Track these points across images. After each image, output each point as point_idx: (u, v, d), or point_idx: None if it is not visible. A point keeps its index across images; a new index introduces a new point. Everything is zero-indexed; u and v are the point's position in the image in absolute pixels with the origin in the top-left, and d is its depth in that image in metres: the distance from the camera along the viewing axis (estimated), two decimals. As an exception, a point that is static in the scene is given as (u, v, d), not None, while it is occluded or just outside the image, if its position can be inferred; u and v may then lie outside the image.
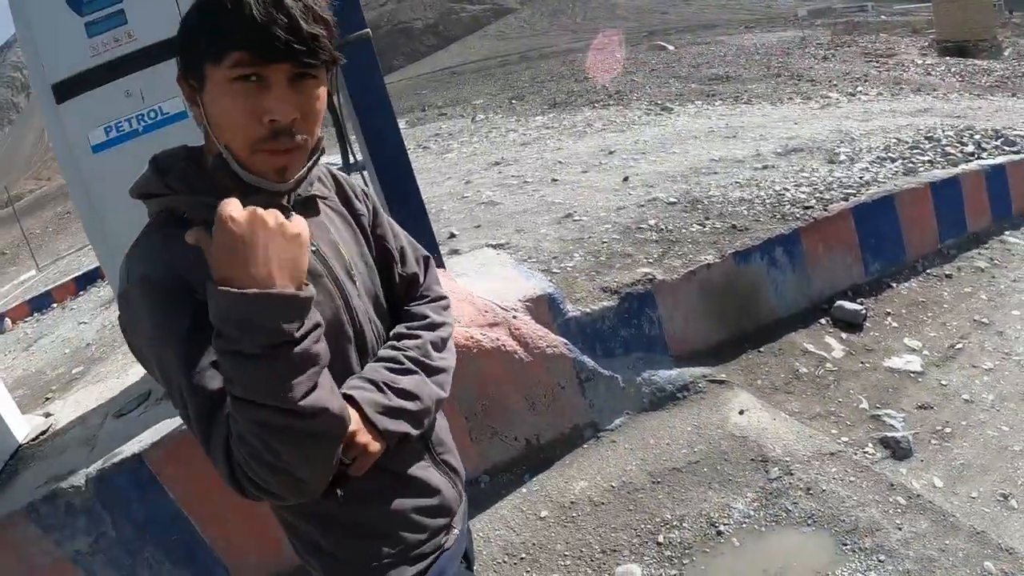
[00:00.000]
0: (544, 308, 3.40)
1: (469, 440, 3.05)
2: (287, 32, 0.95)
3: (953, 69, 16.25)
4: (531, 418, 3.21)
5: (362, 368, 1.17)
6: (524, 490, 3.07)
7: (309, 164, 1.08)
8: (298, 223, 0.94)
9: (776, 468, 2.97)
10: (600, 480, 3.07)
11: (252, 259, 0.87)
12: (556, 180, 6.49)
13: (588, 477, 3.10)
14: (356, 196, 1.32)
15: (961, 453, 3.10)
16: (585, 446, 3.28)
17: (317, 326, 0.92)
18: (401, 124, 16.69)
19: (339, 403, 0.95)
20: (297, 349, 0.88)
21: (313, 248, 1.12)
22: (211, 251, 0.89)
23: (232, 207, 0.89)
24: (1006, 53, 23.07)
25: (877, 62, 18.05)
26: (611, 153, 7.75)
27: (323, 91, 1.05)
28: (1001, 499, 2.82)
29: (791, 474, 2.93)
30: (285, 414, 0.87)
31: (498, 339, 3.10)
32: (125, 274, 1.03)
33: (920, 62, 18.21)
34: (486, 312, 3.18)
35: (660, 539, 2.72)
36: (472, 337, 3.01)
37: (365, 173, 3.35)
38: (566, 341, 3.33)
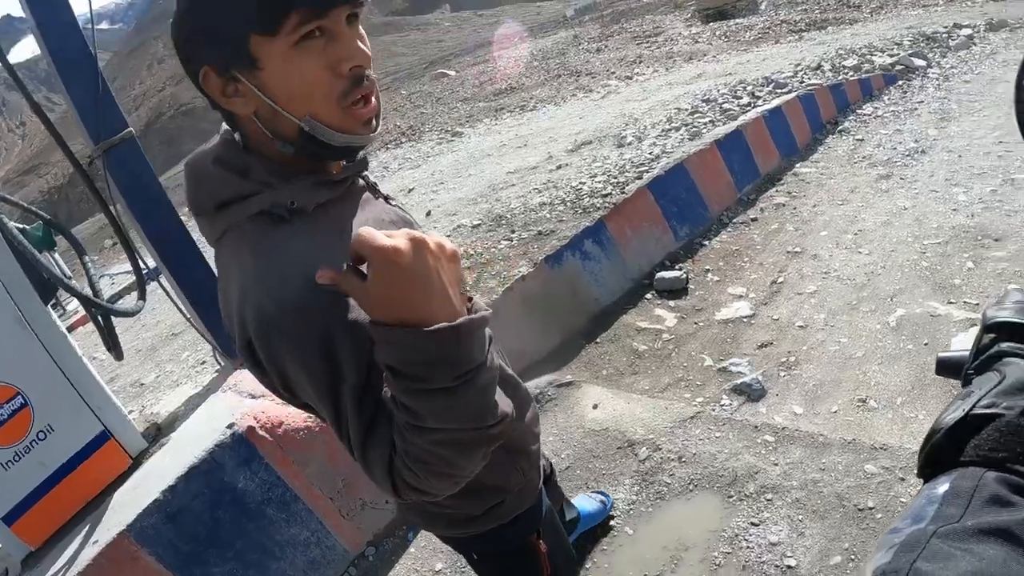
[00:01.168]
0: (375, 368, 3.55)
1: (341, 518, 3.09)
2: None
3: (718, 32, 18.36)
4: None
5: None
6: (412, 549, 3.14)
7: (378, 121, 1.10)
8: (448, 241, 0.91)
9: (644, 448, 3.25)
10: None
11: (431, 292, 0.84)
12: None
13: None
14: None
15: (811, 376, 3.56)
16: None
17: (491, 338, 0.93)
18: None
19: (509, 401, 0.98)
20: (487, 367, 0.89)
21: (396, 204, 1.29)
22: (362, 289, 0.83)
23: (395, 238, 0.82)
24: (763, 7, 26.41)
25: (648, 42, 20.01)
26: (410, 191, 8.11)
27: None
28: (860, 404, 3.27)
29: (659, 449, 3.22)
30: (476, 431, 0.90)
31: None
32: (268, 299, 0.97)
33: (687, 33, 20.38)
34: None
35: (556, 556, 2.91)
36: (309, 418, 3.06)
37: (162, 279, 3.35)
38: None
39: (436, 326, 0.82)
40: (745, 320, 4.15)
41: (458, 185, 7.35)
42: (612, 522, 2.94)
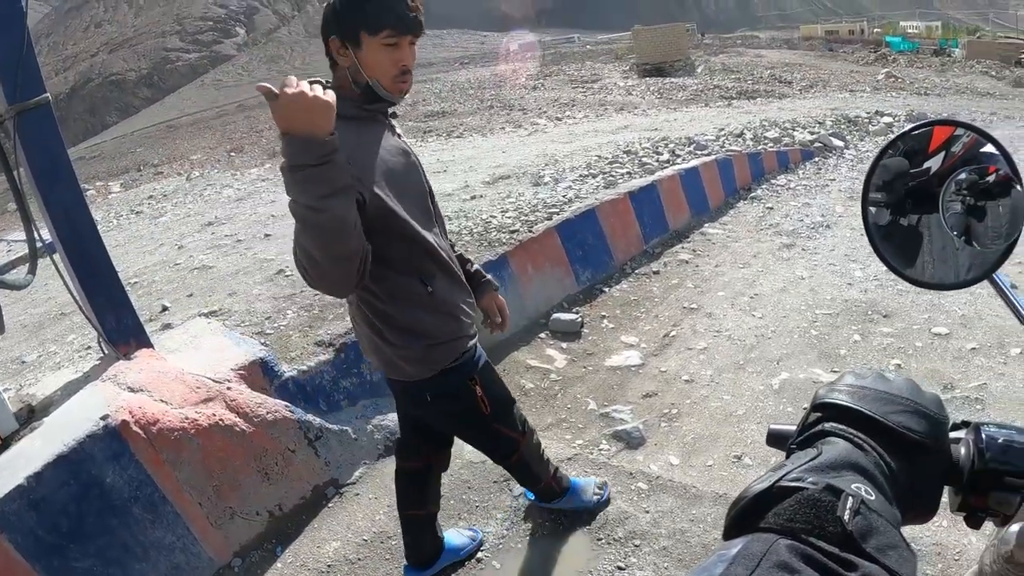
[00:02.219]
0: (258, 373, 3.51)
1: (210, 525, 3.05)
2: (414, 18, 1.92)
3: (652, 88, 19.07)
4: (268, 489, 3.28)
5: (431, 200, 2.23)
6: (279, 564, 3.12)
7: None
8: (330, 95, 1.68)
9: (518, 485, 3.35)
10: (352, 536, 3.21)
11: (296, 118, 1.65)
12: (269, 235, 6.64)
13: (339, 536, 3.23)
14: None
15: (691, 429, 3.72)
16: (330, 505, 3.42)
17: (327, 162, 1.68)
18: (115, 187, 15.80)
19: (344, 211, 1.74)
20: (316, 169, 1.66)
21: (401, 139, 2.15)
22: (273, 107, 1.66)
23: (290, 81, 1.67)
24: (699, 70, 27.62)
25: (584, 88, 20.60)
26: (324, 210, 8.08)
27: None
28: (735, 460, 3.43)
29: (535, 486, 3.33)
30: (304, 208, 1.69)
31: (214, 414, 3.15)
32: None
33: (623, 84, 21.07)
34: (198, 388, 3.23)
35: (422, 580, 2.95)
36: (187, 418, 3.04)
37: (56, 256, 3.27)
38: (287, 403, 3.47)
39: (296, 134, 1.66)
40: (633, 369, 4.31)
41: (370, 204, 7.39)
42: (480, 553, 3.01)
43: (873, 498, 0.56)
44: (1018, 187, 0.85)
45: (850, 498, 0.54)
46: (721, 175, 7.79)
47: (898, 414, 0.65)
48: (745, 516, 0.56)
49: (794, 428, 0.71)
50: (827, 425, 0.65)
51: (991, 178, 0.87)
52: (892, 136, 0.94)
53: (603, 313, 4.92)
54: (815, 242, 6.48)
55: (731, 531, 0.57)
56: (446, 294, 2.18)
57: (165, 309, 4.88)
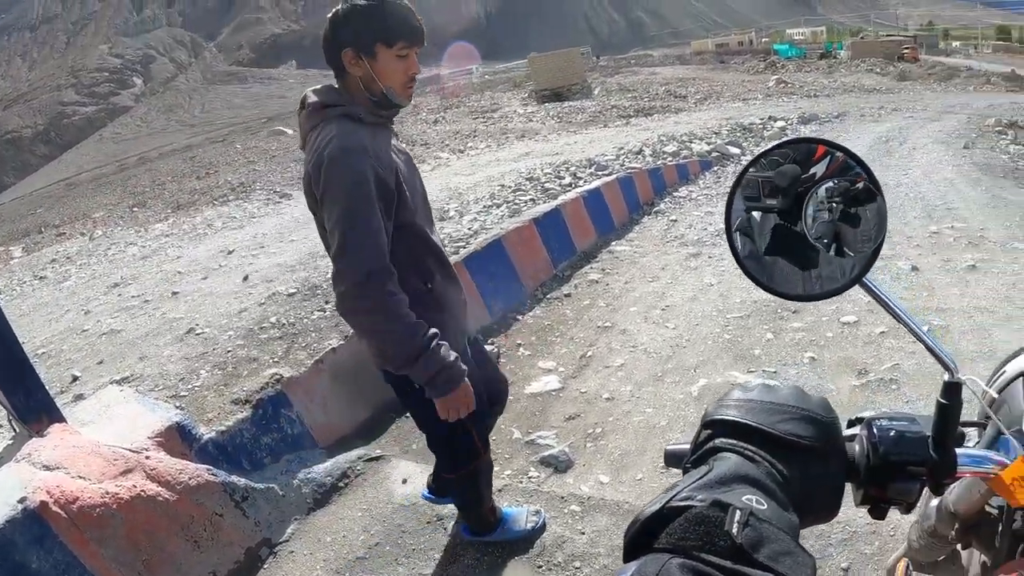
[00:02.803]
0: (176, 438, 3.43)
1: None
2: (421, 31, 2.16)
3: (552, 113, 19.48)
4: (200, 557, 3.19)
5: (426, 202, 2.43)
6: None
7: None
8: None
9: (452, 522, 3.35)
10: None
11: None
12: (177, 293, 6.51)
13: None
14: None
15: (617, 445, 3.79)
16: (265, 566, 3.34)
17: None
18: (16, 252, 15.20)
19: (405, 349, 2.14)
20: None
21: (402, 142, 2.38)
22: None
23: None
24: (596, 92, 28.39)
25: (484, 118, 20.91)
26: (230, 253, 8.01)
27: None
28: (664, 471, 3.48)
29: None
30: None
31: (135, 486, 3.07)
32: (334, 148, 2.06)
33: (522, 111, 21.47)
34: (116, 460, 3.13)
35: (367, 630, 2.93)
36: (108, 492, 2.95)
37: None
38: (208, 467, 3.40)
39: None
40: (554, 393, 4.38)
41: (280, 250, 7.35)
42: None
43: (764, 507, 0.57)
44: (879, 195, 0.88)
45: (738, 511, 0.56)
46: (624, 193, 8.01)
47: (785, 422, 0.68)
48: (639, 539, 0.58)
49: (688, 446, 0.73)
50: (718, 441, 0.67)
51: (854, 187, 0.90)
52: (750, 158, 0.97)
53: (519, 341, 4.99)
54: (720, 249, 6.70)
55: (628, 555, 0.58)
56: (443, 291, 2.36)
57: (76, 379, 4.76)
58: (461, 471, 2.74)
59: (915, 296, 5.28)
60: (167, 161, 34.25)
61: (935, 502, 1.12)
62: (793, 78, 39.88)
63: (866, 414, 0.81)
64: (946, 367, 0.84)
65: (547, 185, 7.59)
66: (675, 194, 9.13)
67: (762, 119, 16.78)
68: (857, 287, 0.90)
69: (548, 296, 5.63)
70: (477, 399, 2.44)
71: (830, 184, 0.90)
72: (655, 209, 8.46)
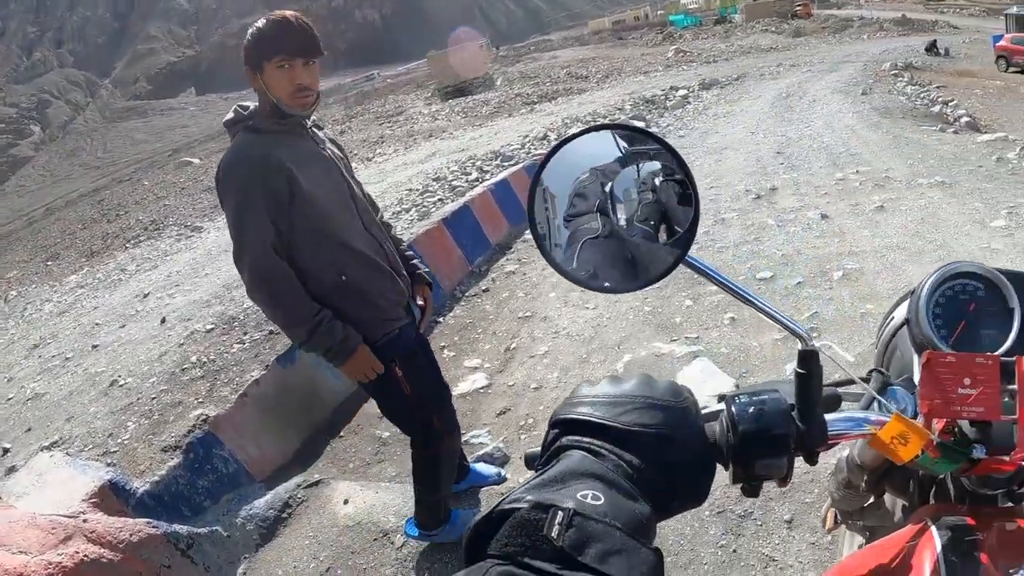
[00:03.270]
0: (110, 496, 3.36)
1: None
2: (301, 43, 2.28)
3: (457, 109, 19.48)
4: None
5: (352, 198, 2.56)
6: None
7: (316, 106, 2.41)
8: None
9: (399, 535, 3.34)
10: None
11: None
12: (97, 346, 6.36)
13: None
14: (339, 143, 2.74)
15: (548, 433, 3.85)
16: None
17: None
18: None
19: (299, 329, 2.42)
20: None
21: (322, 148, 2.51)
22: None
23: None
24: (498, 83, 28.45)
25: (390, 122, 20.81)
26: (146, 296, 7.86)
27: (318, 68, 2.36)
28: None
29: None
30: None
31: (77, 552, 3.00)
32: (228, 158, 2.35)
33: (427, 111, 21.43)
34: (54, 529, 3.06)
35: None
36: (50, 563, 2.88)
37: None
38: (148, 520, 3.33)
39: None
40: (482, 391, 4.39)
41: (194, 286, 7.21)
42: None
43: (599, 503, 0.56)
44: (686, 178, 0.85)
45: (559, 512, 0.54)
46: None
47: (628, 413, 0.66)
48: (474, 545, 0.56)
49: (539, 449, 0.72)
50: (564, 439, 0.66)
51: (658, 174, 0.88)
52: (546, 150, 0.91)
53: (442, 344, 4.98)
54: (630, 224, 6.78)
55: (467, 562, 0.56)
56: (362, 283, 2.51)
57: (6, 451, 4.64)
58: (424, 452, 2.87)
59: (827, 243, 5.44)
60: (75, 208, 33.28)
61: (844, 453, 1.14)
62: (691, 46, 40.60)
63: (729, 391, 0.79)
64: (798, 336, 0.83)
65: (454, 183, 7.59)
66: (583, 175, 9.19)
67: (664, 90, 17.05)
68: (683, 267, 0.87)
69: (467, 294, 5.64)
70: (439, 383, 2.83)
71: (639, 172, 0.88)
72: (565, 192, 8.49)
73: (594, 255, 0.88)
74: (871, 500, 1.21)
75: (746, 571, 2.69)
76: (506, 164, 8.36)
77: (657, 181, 0.88)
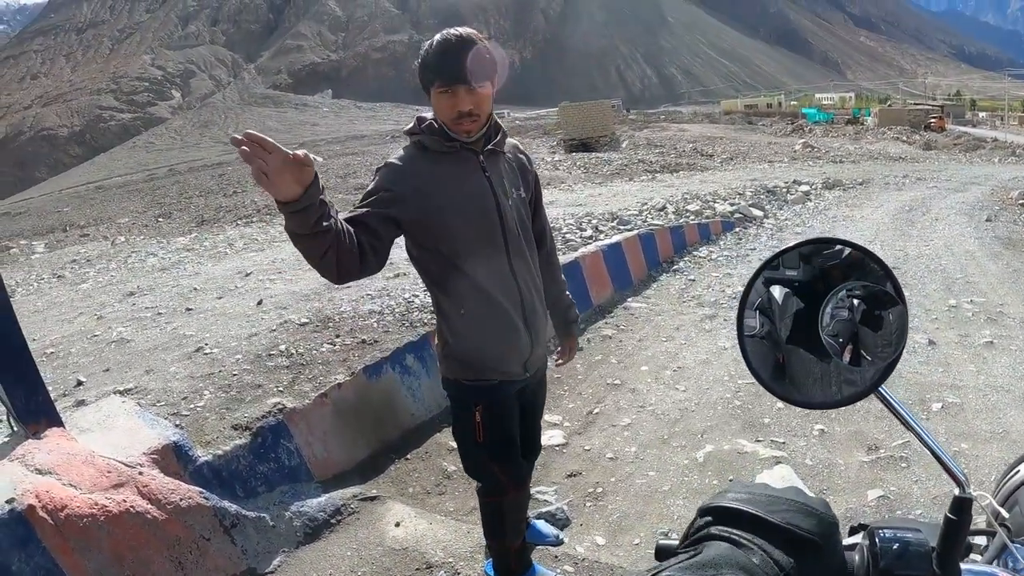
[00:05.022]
0: (171, 458, 3.42)
1: None
2: (462, 70, 2.22)
3: (579, 163, 19.65)
4: None
5: (504, 234, 2.45)
6: None
7: (485, 131, 2.40)
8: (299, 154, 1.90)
9: (442, 572, 3.29)
10: None
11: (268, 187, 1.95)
12: (190, 309, 6.53)
13: None
14: (530, 164, 2.73)
15: (616, 507, 3.73)
16: None
17: (296, 212, 2.01)
18: (40, 247, 15.42)
19: (307, 245, 2.13)
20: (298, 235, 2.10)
21: (487, 174, 2.43)
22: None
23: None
24: (624, 145, 28.64)
25: (511, 164, 21.17)
26: (248, 275, 8.04)
27: (488, 91, 2.33)
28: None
29: (458, 574, 3.29)
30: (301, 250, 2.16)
31: (125, 500, 3.05)
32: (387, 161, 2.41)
33: (549, 159, 21.69)
34: (109, 472, 3.12)
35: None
36: (97, 503, 2.94)
37: None
38: (201, 489, 3.38)
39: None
40: (557, 448, 4.33)
41: (296, 277, 7.38)
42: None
43: None
44: (901, 302, 0.85)
45: None
46: (644, 249, 8.01)
47: (784, 512, 0.65)
48: None
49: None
50: (712, 529, 0.65)
51: (875, 288, 0.86)
52: (770, 255, 0.93)
53: (527, 392, 4.95)
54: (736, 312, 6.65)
55: None
56: (479, 320, 2.46)
57: (80, 384, 4.77)
58: (485, 499, 2.86)
59: (931, 371, 5.21)
60: (196, 175, 35.00)
61: None
62: (820, 142, 40.13)
63: (869, 522, 0.77)
64: (957, 481, 0.81)
65: (568, 236, 7.61)
66: (695, 253, 9.13)
67: (786, 182, 16.82)
68: (872, 397, 0.87)
69: (558, 349, 5.59)
70: (509, 441, 2.69)
71: (852, 285, 0.86)
72: (674, 267, 8.46)
73: (787, 365, 0.90)
74: None
75: None
76: (622, 228, 8.35)
77: (856, 302, 0.86)
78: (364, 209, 2.27)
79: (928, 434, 0.86)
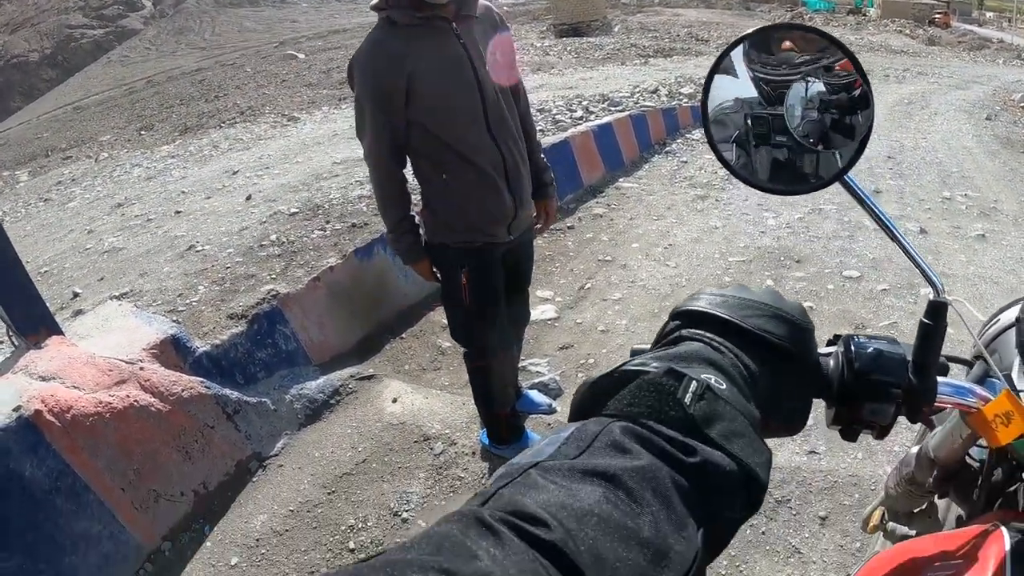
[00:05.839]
0: (170, 351, 3.47)
1: (135, 510, 3.00)
2: None
3: (569, 48, 19.18)
4: (190, 468, 3.25)
5: (483, 101, 2.44)
6: (208, 544, 3.11)
7: None
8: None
9: (439, 443, 3.39)
10: (278, 508, 3.23)
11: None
12: (179, 212, 6.53)
13: (266, 509, 3.23)
14: (500, 21, 2.61)
15: (606, 378, 3.83)
16: (254, 479, 3.41)
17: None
18: (23, 175, 15.39)
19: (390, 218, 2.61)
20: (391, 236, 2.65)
21: (462, 42, 2.36)
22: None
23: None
24: (616, 29, 27.90)
25: (500, 51, 20.73)
26: (235, 174, 8.01)
27: None
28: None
29: (454, 444, 3.37)
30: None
31: (128, 396, 3.10)
32: (359, 50, 2.38)
33: (539, 45, 21.16)
34: (110, 371, 3.16)
35: (351, 545, 2.95)
36: (101, 402, 2.98)
37: None
38: (202, 379, 3.43)
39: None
40: (549, 322, 4.39)
41: (284, 171, 7.33)
42: (405, 513, 3.06)
43: (724, 387, 0.54)
44: (872, 105, 0.82)
45: (693, 382, 0.52)
46: (635, 130, 7.91)
47: (756, 318, 0.64)
48: (587, 404, 0.55)
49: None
50: (684, 331, 0.64)
51: (849, 92, 0.84)
52: (739, 35, 0.90)
53: (519, 270, 4.99)
54: (728, 193, 6.65)
55: (573, 420, 0.54)
56: (464, 187, 2.49)
57: (76, 295, 4.81)
58: (472, 364, 2.98)
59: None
60: (176, 84, 34.19)
61: (915, 449, 1.10)
62: (819, 31, 38.97)
63: (844, 332, 0.76)
64: (932, 285, 0.80)
65: (558, 117, 7.50)
66: (688, 136, 9.02)
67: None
68: (838, 184, 0.85)
69: (551, 227, 5.61)
70: (494, 302, 2.77)
71: (822, 84, 0.84)
72: (666, 149, 8.37)
73: (754, 151, 0.88)
74: (924, 506, 1.17)
75: (770, 556, 2.66)
76: (613, 109, 8.21)
77: (826, 102, 0.84)
78: (378, 133, 2.43)
79: (900, 231, 0.83)
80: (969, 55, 34.54)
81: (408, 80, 2.32)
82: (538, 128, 6.84)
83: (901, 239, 0.84)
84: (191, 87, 28.71)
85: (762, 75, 0.86)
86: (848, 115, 0.84)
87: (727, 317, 0.63)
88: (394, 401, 3.72)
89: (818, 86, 0.85)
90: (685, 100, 10.25)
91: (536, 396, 3.60)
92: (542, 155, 2.91)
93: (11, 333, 3.34)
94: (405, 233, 2.60)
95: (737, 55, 0.86)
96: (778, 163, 0.87)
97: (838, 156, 0.85)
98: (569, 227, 5.67)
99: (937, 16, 54.48)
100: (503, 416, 3.11)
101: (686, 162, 7.84)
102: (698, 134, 9.11)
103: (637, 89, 10.66)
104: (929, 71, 21.39)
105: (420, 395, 3.75)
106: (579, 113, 7.89)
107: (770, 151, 0.88)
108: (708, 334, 0.62)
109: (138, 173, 10.84)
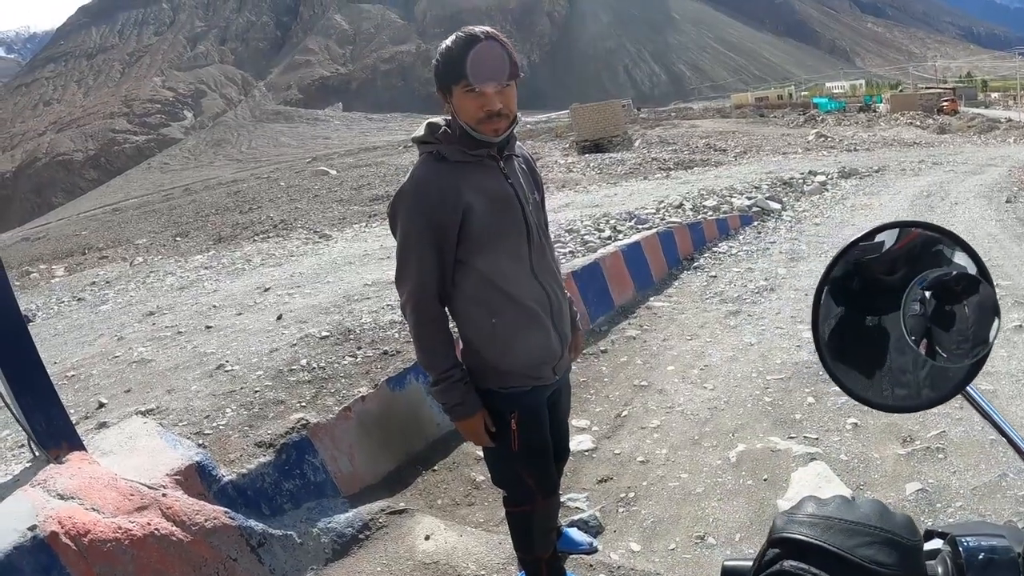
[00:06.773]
0: (195, 478, 3.39)
1: None
2: (491, 66, 2.15)
3: (592, 164, 19.60)
4: None
5: (528, 240, 2.40)
6: None
7: (508, 132, 2.31)
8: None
9: (477, 588, 3.25)
10: None
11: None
12: (210, 327, 6.52)
13: None
14: (531, 158, 2.64)
15: (649, 512, 3.65)
16: None
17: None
18: (59, 271, 15.69)
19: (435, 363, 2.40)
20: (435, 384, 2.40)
21: (509, 181, 2.35)
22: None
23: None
24: (636, 144, 28.60)
25: (525, 168, 21.27)
26: (267, 290, 8.05)
27: (514, 88, 2.25)
28: (698, 540, 3.36)
29: (490, 586, 3.23)
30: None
31: (150, 523, 3.02)
32: (405, 184, 2.31)
33: (563, 162, 21.64)
34: (132, 495, 3.09)
35: None
36: (121, 528, 2.90)
37: None
38: (226, 509, 3.34)
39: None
40: (587, 454, 4.25)
41: (315, 291, 7.37)
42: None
43: None
44: (988, 284, 0.79)
45: None
46: (663, 247, 7.94)
47: (866, 547, 0.60)
48: None
49: (749, 564, 0.66)
50: (786, 564, 0.60)
51: (956, 280, 0.81)
52: (845, 244, 0.85)
53: (553, 398, 4.89)
54: (761, 307, 6.58)
55: None
56: (512, 330, 2.41)
57: (102, 406, 4.76)
58: (513, 508, 2.79)
59: (960, 359, 5.08)
60: (212, 193, 35.46)
61: None
62: (833, 132, 39.87)
63: (943, 526, 0.71)
64: None
65: (587, 238, 7.56)
66: (715, 249, 9.04)
67: (802, 173, 16.69)
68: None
69: (584, 352, 5.54)
70: (544, 447, 2.64)
71: (936, 274, 0.80)
72: (694, 264, 8.37)
73: (865, 363, 0.85)
74: None
75: None
76: (640, 227, 8.28)
77: (928, 294, 0.80)
78: (424, 276, 2.34)
79: (1020, 437, 0.77)
80: (980, 138, 34.94)
81: (464, 215, 2.27)
82: (567, 250, 6.89)
83: None
84: (226, 197, 29.75)
85: (871, 281, 0.83)
86: (969, 323, 0.80)
87: (835, 550, 0.59)
88: (427, 538, 3.57)
89: (934, 291, 0.81)
90: (710, 213, 10.34)
91: (576, 535, 3.44)
92: (564, 289, 2.86)
93: (32, 443, 3.28)
94: (456, 382, 2.42)
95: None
96: (894, 376, 0.84)
97: (957, 366, 0.80)
98: (603, 351, 5.59)
99: (944, 104, 55.58)
100: (544, 559, 2.95)
101: (715, 276, 7.81)
102: (725, 247, 9.12)
103: (662, 204, 10.80)
104: (944, 160, 21.58)
105: (454, 532, 3.60)
106: (607, 232, 7.97)
107: (888, 366, 0.84)
108: (814, 570, 0.58)
109: (171, 282, 11.04)
